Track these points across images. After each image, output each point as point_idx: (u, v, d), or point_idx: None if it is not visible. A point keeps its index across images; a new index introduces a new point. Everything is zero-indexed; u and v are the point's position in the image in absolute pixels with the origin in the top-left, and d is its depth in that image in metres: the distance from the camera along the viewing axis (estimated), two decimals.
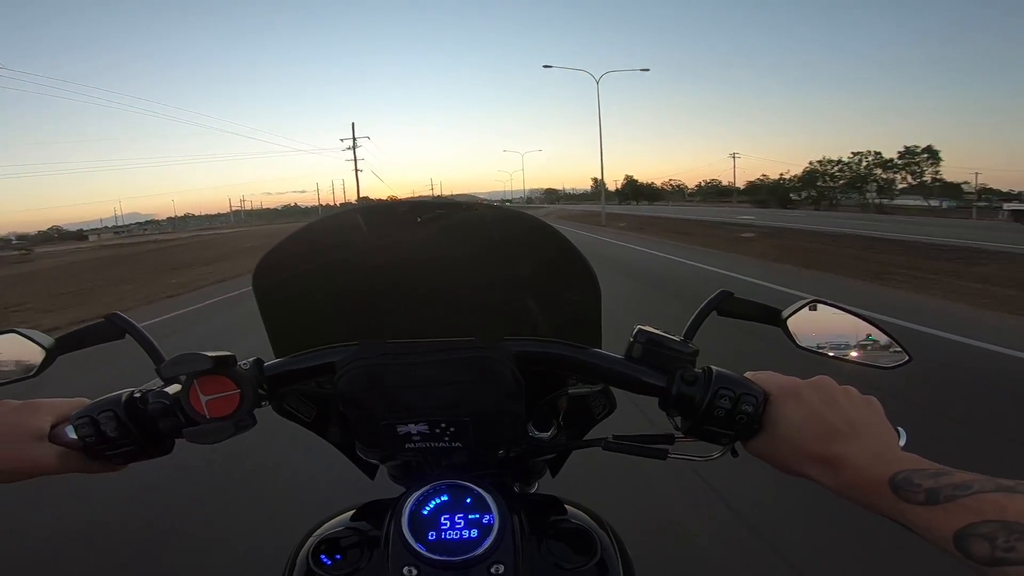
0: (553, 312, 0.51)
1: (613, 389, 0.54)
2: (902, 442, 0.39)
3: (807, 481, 0.39)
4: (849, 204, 42.53)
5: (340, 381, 0.43)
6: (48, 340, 0.48)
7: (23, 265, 22.46)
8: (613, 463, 1.97)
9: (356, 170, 41.00)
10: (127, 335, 0.48)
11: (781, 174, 54.00)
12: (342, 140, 45.74)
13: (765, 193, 54.68)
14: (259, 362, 0.45)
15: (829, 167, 46.82)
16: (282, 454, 2.29)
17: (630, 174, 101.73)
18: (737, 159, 68.32)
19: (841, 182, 45.52)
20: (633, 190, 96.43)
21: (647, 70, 37.03)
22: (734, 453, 0.45)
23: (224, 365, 0.40)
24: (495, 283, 0.51)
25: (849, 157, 44.55)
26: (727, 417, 0.42)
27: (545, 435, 0.54)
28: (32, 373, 0.49)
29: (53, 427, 0.43)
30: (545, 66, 25.43)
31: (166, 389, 0.43)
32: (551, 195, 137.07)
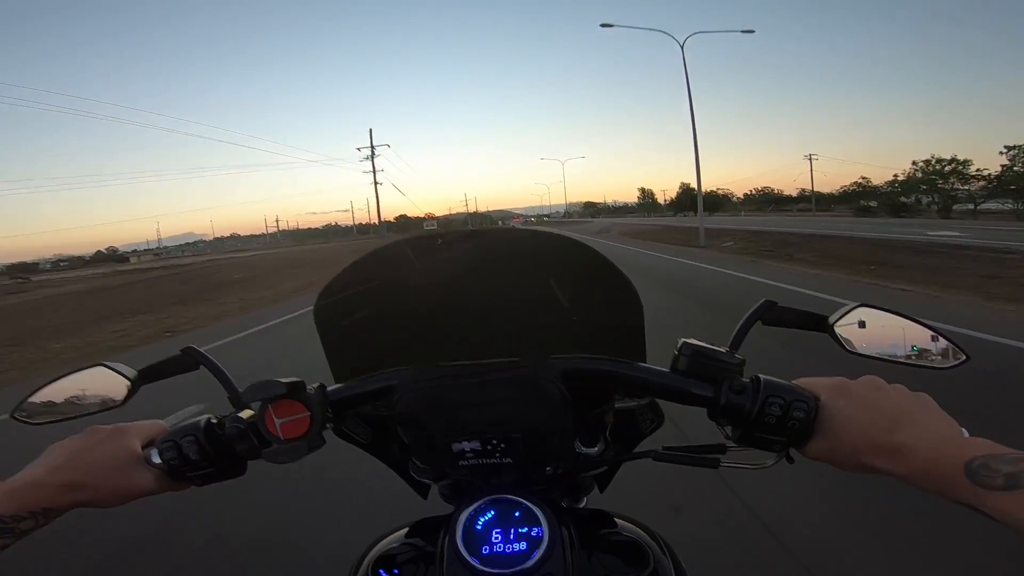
0: (596, 328, 0.54)
1: (661, 403, 0.56)
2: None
3: (874, 497, 0.43)
4: (992, 211, 33.55)
5: (399, 403, 0.48)
6: (132, 372, 0.54)
7: (5, 299, 20.69)
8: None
9: (375, 183, 36.51)
10: (201, 367, 0.53)
11: (895, 174, 43.77)
12: (359, 150, 42.46)
13: (870, 198, 45.92)
14: (323, 387, 0.50)
15: (941, 166, 38.01)
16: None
17: (686, 182, 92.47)
18: (814, 160, 59.56)
19: (981, 183, 36.45)
20: (691, 200, 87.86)
21: (751, 32, 21.58)
22: (789, 460, 0.47)
23: (296, 390, 0.46)
24: (537, 303, 0.54)
25: (1002, 151, 35.45)
26: (779, 424, 0.44)
27: (593, 451, 0.56)
28: (119, 403, 0.54)
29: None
30: (604, 25, 19.06)
31: (240, 415, 0.49)
32: (590, 208, 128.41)
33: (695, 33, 21.11)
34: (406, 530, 0.53)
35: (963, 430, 0.40)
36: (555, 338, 0.53)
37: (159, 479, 0.48)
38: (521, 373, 0.47)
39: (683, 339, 0.49)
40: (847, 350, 0.49)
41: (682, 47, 18.54)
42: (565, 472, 0.54)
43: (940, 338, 0.49)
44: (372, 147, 36.02)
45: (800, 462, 0.46)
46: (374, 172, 35.60)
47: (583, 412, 0.53)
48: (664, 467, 0.51)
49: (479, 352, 0.50)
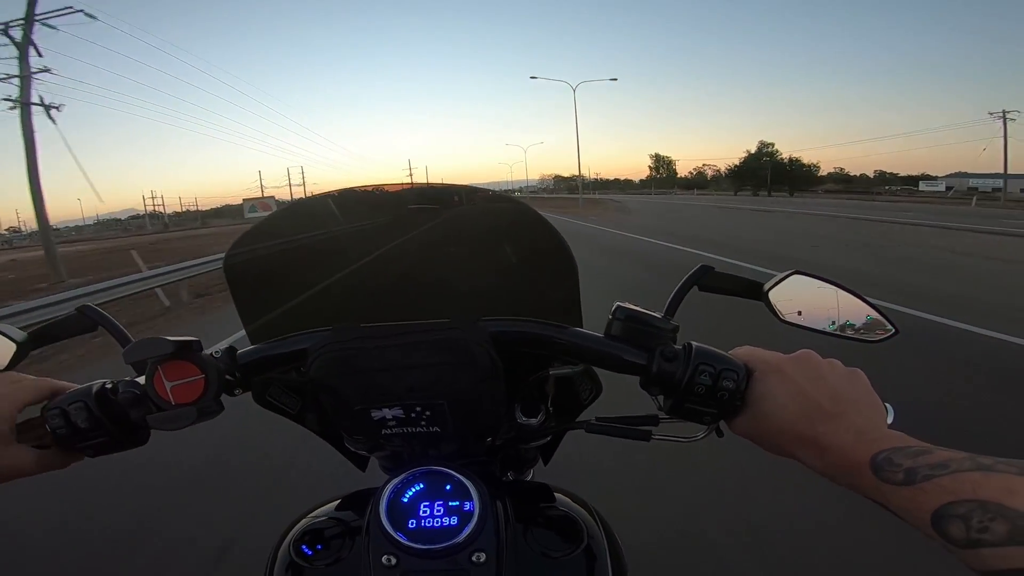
0: (532, 294, 0.58)
1: (599, 372, 0.58)
2: (890, 419, 0.43)
3: (799, 467, 0.43)
4: None
5: (313, 367, 0.49)
6: (20, 334, 0.55)
7: None
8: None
9: (21, 103, 12.36)
10: (100, 327, 0.54)
11: None
12: None
13: None
14: (231, 350, 0.51)
15: None
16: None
17: (768, 141, 61.43)
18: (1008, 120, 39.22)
19: None
20: (777, 171, 59.79)
21: None
22: (719, 433, 0.51)
23: (187, 350, 0.46)
24: (472, 268, 0.58)
25: None
26: (708, 394, 0.47)
27: (533, 421, 0.59)
28: (3, 367, 0.54)
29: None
30: None
31: (138, 379, 0.49)
32: (563, 183, 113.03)
33: None
34: (337, 503, 0.56)
35: (888, 408, 0.43)
36: (490, 304, 0.55)
37: (41, 457, 0.48)
38: (446, 335, 0.49)
39: (618, 303, 0.52)
40: (780, 319, 0.54)
41: None
42: (506, 443, 0.58)
43: (871, 310, 0.54)
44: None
45: (731, 438, 0.49)
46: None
47: (520, 380, 0.56)
48: (614, 439, 0.54)
49: (407, 317, 0.51)
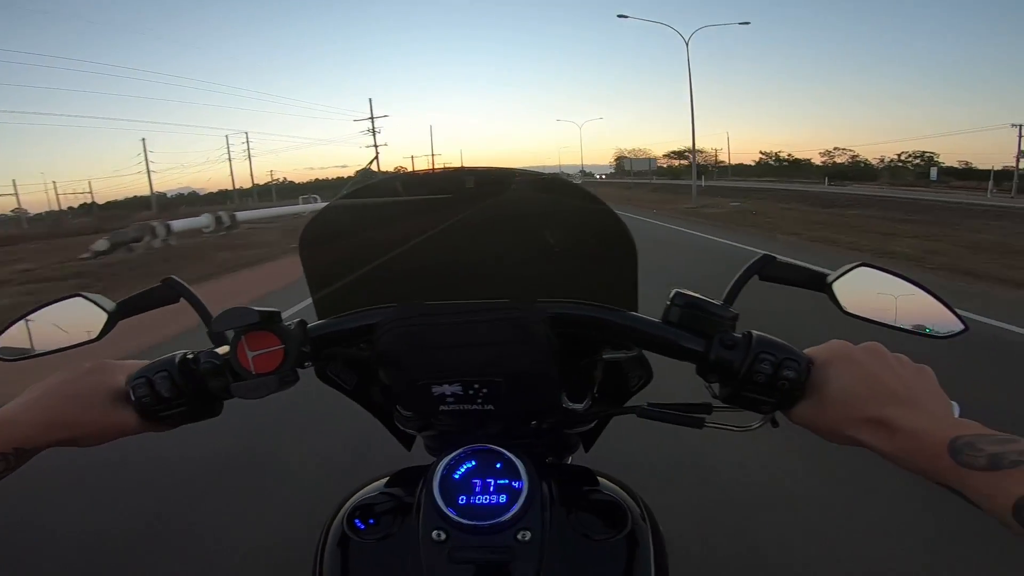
0: (589, 278, 0.60)
1: (650, 360, 0.60)
2: (956, 415, 0.44)
3: (849, 463, 0.48)
4: None
5: (380, 341, 0.53)
6: (111, 304, 0.59)
7: None
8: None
9: None
10: (182, 299, 0.59)
11: None
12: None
13: None
14: (303, 323, 0.55)
15: None
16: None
17: None
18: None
19: None
20: None
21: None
22: (774, 423, 0.52)
23: (270, 320, 0.50)
24: (530, 250, 0.61)
25: None
26: (768, 383, 0.48)
27: (579, 406, 0.61)
28: (95, 337, 0.60)
29: None
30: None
31: (217, 350, 0.54)
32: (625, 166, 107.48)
33: None
34: (386, 480, 0.60)
35: (955, 405, 0.44)
36: (546, 286, 0.58)
37: (139, 415, 0.52)
38: (507, 315, 0.52)
39: (676, 289, 0.53)
40: (844, 311, 0.54)
41: None
42: (550, 427, 0.61)
43: (940, 305, 0.54)
44: None
45: (783, 429, 0.51)
46: None
47: (570, 364, 0.58)
48: (653, 429, 0.56)
49: (467, 296, 0.55)
